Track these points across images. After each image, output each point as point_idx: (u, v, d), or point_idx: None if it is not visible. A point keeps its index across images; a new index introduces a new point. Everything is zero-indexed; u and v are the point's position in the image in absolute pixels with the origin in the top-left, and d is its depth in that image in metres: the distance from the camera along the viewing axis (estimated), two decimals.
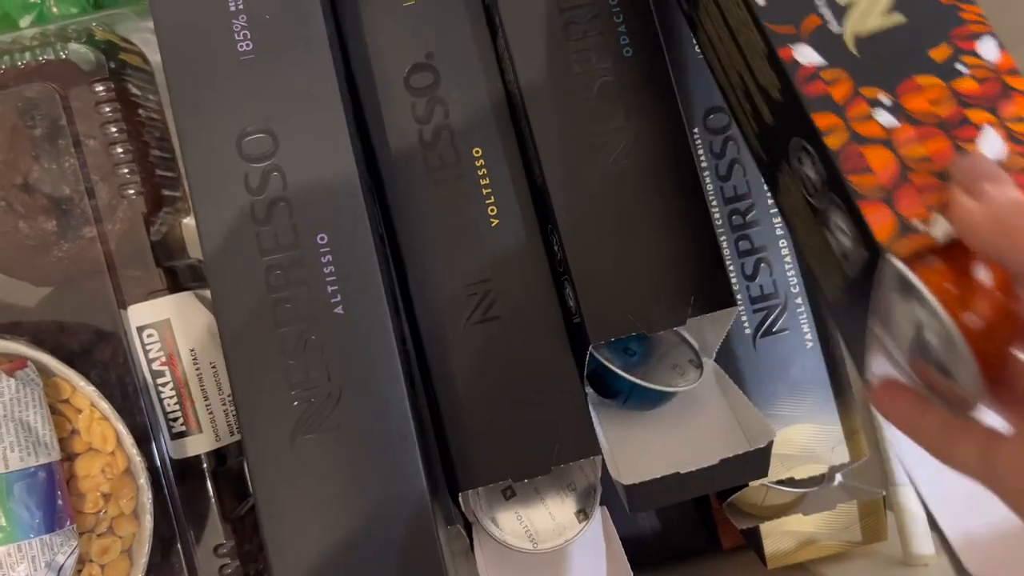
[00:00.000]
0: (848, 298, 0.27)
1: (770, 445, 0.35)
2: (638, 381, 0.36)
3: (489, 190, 0.36)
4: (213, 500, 0.38)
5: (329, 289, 0.31)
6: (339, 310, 0.31)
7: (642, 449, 0.37)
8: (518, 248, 0.36)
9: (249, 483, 0.31)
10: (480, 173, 0.36)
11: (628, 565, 0.39)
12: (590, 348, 0.35)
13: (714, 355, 0.39)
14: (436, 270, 0.36)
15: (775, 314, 0.41)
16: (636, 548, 0.50)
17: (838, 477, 0.43)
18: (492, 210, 0.36)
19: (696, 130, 0.41)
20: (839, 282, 0.27)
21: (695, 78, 0.40)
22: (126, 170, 0.37)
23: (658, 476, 0.34)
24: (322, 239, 0.32)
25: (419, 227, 0.36)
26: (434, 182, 0.36)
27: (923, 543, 0.41)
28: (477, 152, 0.36)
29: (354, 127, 0.34)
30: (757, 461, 0.35)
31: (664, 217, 0.34)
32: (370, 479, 0.31)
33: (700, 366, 0.38)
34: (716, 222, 0.41)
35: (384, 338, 0.32)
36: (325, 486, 0.31)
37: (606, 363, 0.36)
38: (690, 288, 0.34)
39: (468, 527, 0.40)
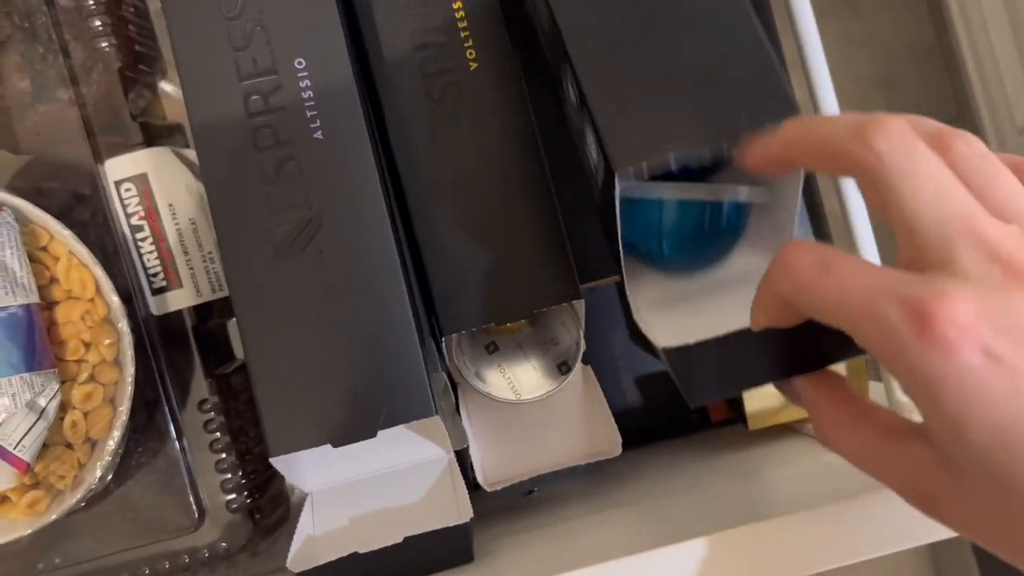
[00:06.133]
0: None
1: None
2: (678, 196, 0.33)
3: (467, 33, 0.36)
4: (196, 356, 0.38)
5: (308, 114, 0.31)
6: (318, 135, 0.31)
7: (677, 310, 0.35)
8: (492, 86, 0.36)
9: (233, 310, 0.31)
10: (459, 16, 0.36)
11: (613, 421, 0.39)
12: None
13: None
14: (412, 116, 0.36)
15: None
16: (623, 426, 0.50)
17: None
18: (471, 53, 0.36)
19: None
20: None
21: None
22: (98, 22, 0.37)
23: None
24: (299, 63, 0.31)
25: (401, 80, 0.36)
26: (414, 28, 0.36)
27: None
28: (457, 5, 0.36)
29: None
30: None
31: None
32: (355, 306, 0.31)
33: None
34: None
35: (365, 165, 0.31)
36: (309, 311, 0.31)
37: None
38: None
39: (455, 388, 0.40)
